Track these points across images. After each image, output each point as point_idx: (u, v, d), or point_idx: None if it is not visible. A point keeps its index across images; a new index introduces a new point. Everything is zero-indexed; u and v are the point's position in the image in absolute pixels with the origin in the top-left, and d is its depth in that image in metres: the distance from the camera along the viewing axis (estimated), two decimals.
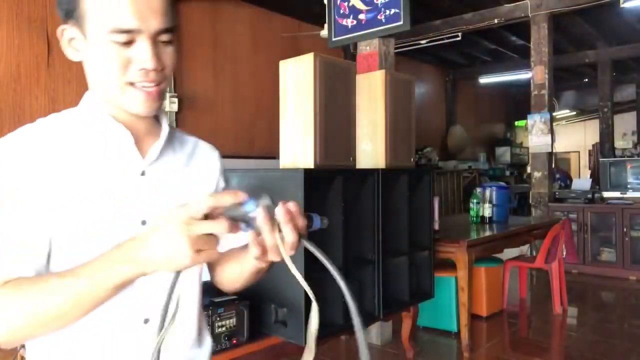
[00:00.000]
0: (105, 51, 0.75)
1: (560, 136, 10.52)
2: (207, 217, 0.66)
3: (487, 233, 3.58)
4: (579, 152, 12.85)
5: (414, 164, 2.83)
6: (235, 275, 0.91)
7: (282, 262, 0.72)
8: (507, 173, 10.71)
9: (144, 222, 0.82)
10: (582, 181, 6.49)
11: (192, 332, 0.93)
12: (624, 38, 7.70)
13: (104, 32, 0.74)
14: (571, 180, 7.29)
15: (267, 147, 5.61)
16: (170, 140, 0.89)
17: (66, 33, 0.80)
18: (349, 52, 6.07)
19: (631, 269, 5.28)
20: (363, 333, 0.71)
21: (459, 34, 6.18)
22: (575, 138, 12.37)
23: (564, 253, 4.24)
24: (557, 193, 5.88)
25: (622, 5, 5.22)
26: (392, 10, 3.35)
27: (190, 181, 0.91)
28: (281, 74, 2.25)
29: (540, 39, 5.54)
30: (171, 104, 4.86)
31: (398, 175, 2.63)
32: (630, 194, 5.70)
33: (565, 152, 12.78)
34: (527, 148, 8.25)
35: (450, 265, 3.29)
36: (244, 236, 0.92)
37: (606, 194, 5.85)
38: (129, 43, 0.75)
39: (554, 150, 5.79)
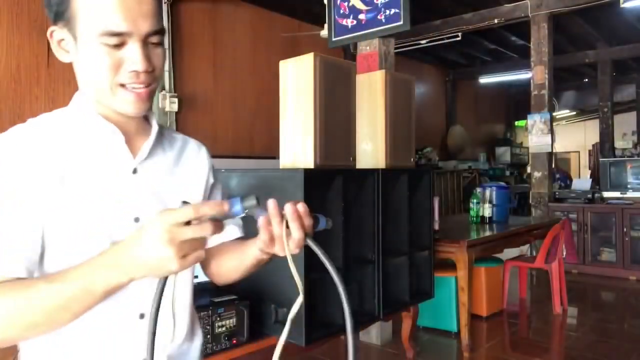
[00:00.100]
0: (95, 53, 0.76)
1: (560, 136, 10.52)
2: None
3: (487, 233, 3.58)
4: (579, 152, 12.85)
5: (414, 164, 2.83)
6: (233, 268, 0.93)
7: (285, 258, 0.74)
8: (507, 173, 10.71)
9: (137, 219, 0.83)
10: (582, 181, 6.48)
11: (184, 327, 0.94)
12: (624, 38, 7.70)
13: (94, 34, 0.75)
14: (571, 180, 7.29)
15: (267, 147, 5.61)
16: (160, 138, 0.90)
17: (55, 34, 0.80)
18: (349, 52, 6.06)
19: (631, 269, 5.28)
20: (353, 337, 0.71)
21: (459, 34, 6.18)
22: (575, 138, 12.37)
23: (564, 253, 4.24)
24: (557, 193, 5.88)
25: (622, 5, 5.22)
26: (392, 10, 3.35)
27: (181, 178, 0.92)
28: (281, 74, 2.25)
29: (540, 39, 5.54)
30: (171, 104, 4.86)
31: (398, 175, 2.63)
32: (630, 194, 5.70)
33: (565, 152, 12.78)
34: (527, 148, 8.25)
35: (450, 265, 3.29)
36: (234, 230, 0.96)
37: (606, 194, 5.85)
38: (119, 45, 0.75)
39: (554, 150, 5.79)
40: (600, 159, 6.89)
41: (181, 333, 0.93)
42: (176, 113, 4.97)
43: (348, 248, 2.22)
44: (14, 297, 0.67)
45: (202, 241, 0.67)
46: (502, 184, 5.55)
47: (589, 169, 10.59)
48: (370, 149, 2.59)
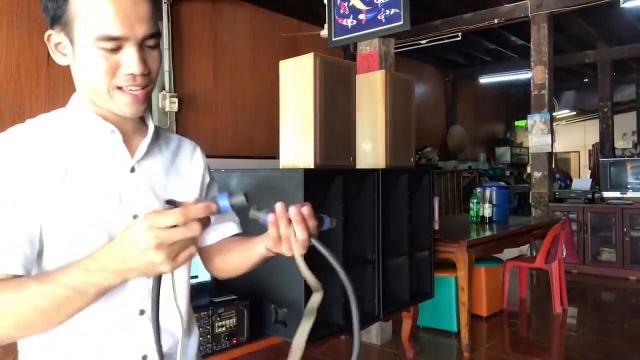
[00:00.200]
0: (93, 57, 0.77)
1: (560, 136, 10.52)
2: None
3: (487, 233, 3.58)
4: (579, 152, 12.86)
5: (414, 164, 2.83)
6: (237, 264, 0.96)
7: (288, 258, 0.77)
8: (507, 173, 10.71)
9: (135, 217, 0.83)
10: (582, 181, 6.49)
11: (185, 321, 0.95)
12: (624, 38, 7.71)
13: (91, 38, 0.76)
14: (571, 180, 7.29)
15: (267, 147, 5.61)
16: (156, 138, 0.92)
17: (53, 38, 0.81)
18: (349, 52, 6.07)
19: (631, 269, 5.28)
20: (359, 334, 0.76)
21: (459, 34, 6.18)
22: (575, 138, 12.37)
23: (564, 253, 4.24)
24: (557, 193, 5.88)
25: (622, 5, 5.22)
26: (392, 10, 3.35)
27: (177, 177, 0.94)
28: (281, 74, 2.25)
29: (540, 39, 5.54)
30: (171, 104, 4.86)
31: (398, 175, 2.63)
32: (630, 194, 5.70)
33: (565, 152, 12.78)
34: (527, 148, 8.25)
35: (450, 265, 3.29)
36: (233, 226, 1.00)
37: (606, 194, 5.85)
38: (116, 49, 0.77)
39: (554, 150, 5.79)
40: (600, 159, 6.90)
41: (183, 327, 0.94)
42: (176, 113, 4.97)
43: (348, 248, 2.22)
44: (7, 296, 0.68)
45: (192, 240, 0.67)
46: (502, 184, 5.55)
47: (589, 169, 10.60)
48: (370, 149, 2.59)
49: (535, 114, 5.55)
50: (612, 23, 7.00)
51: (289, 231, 0.76)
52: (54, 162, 0.78)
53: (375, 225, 2.45)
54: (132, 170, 0.86)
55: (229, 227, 1.01)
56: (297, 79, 2.18)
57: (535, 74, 5.59)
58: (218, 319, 1.85)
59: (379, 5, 3.41)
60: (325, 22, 3.79)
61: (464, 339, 3.19)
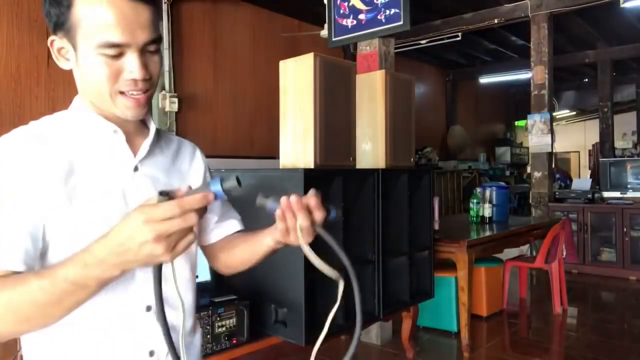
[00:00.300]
0: (95, 63, 0.78)
1: (560, 136, 10.51)
2: None
3: (487, 233, 3.58)
4: (579, 152, 12.86)
5: (414, 164, 2.83)
6: (245, 259, 0.99)
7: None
8: (507, 173, 10.71)
9: None
10: (582, 181, 6.49)
11: (189, 320, 0.97)
12: (624, 38, 7.71)
13: (93, 45, 0.77)
14: (571, 180, 7.29)
15: (267, 147, 5.61)
16: (157, 139, 0.93)
17: (55, 44, 0.83)
18: (349, 52, 6.07)
19: (631, 269, 5.28)
20: (361, 322, 0.80)
21: (459, 34, 6.18)
22: (575, 138, 12.37)
23: (564, 253, 4.24)
24: (557, 193, 5.88)
25: (622, 5, 5.22)
26: (392, 10, 3.35)
27: (179, 177, 0.95)
28: (281, 74, 2.25)
29: (540, 39, 5.54)
30: (171, 104, 4.86)
31: (398, 175, 2.63)
32: (630, 194, 5.70)
33: (565, 152, 12.78)
34: (527, 148, 8.25)
35: (450, 265, 3.29)
36: (235, 224, 1.04)
37: (606, 194, 5.85)
38: (118, 56, 0.78)
39: (554, 150, 5.79)
40: (600, 159, 6.90)
41: (188, 323, 0.96)
42: (176, 113, 4.97)
43: (348, 248, 2.22)
44: (6, 292, 0.68)
45: (189, 228, 0.67)
46: (502, 184, 5.55)
47: (589, 169, 10.59)
48: (370, 149, 2.59)
49: (535, 114, 5.55)
50: (612, 23, 7.00)
51: (295, 222, 0.79)
52: (58, 161, 0.79)
53: (375, 225, 2.44)
54: (135, 169, 0.87)
55: (232, 224, 1.04)
56: (297, 79, 2.18)
57: (535, 74, 5.59)
58: (218, 319, 1.85)
59: (379, 5, 3.41)
60: (325, 22, 3.79)
61: (464, 339, 3.19)
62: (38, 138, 0.80)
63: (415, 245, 2.76)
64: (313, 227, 0.80)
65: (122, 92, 0.81)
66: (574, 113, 12.19)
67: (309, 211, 0.80)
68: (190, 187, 0.71)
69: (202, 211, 0.68)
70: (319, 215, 0.80)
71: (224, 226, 1.03)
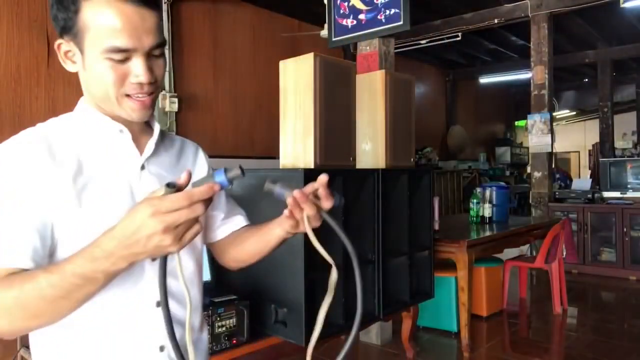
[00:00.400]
0: (101, 67, 0.80)
1: (560, 136, 10.51)
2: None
3: (487, 233, 3.58)
4: (579, 152, 12.85)
5: (414, 164, 2.83)
6: (255, 251, 1.02)
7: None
8: (507, 173, 10.71)
9: None
10: (582, 181, 6.49)
11: (196, 314, 0.99)
12: (624, 38, 7.71)
13: (100, 50, 0.79)
14: (571, 180, 7.29)
15: (267, 147, 5.61)
16: (161, 138, 0.96)
17: (62, 47, 0.85)
18: (349, 52, 6.07)
19: (631, 269, 5.28)
20: (362, 304, 0.80)
21: (459, 34, 6.18)
22: (575, 138, 12.37)
23: (564, 253, 4.24)
24: (557, 193, 5.88)
25: (622, 5, 5.22)
26: (392, 10, 3.35)
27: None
28: (281, 74, 2.25)
29: (540, 39, 5.54)
30: (171, 104, 4.85)
31: (398, 175, 2.63)
32: (630, 194, 5.70)
33: (565, 152, 12.78)
34: (527, 148, 8.25)
35: (450, 265, 3.29)
36: (241, 219, 1.07)
37: (606, 194, 5.85)
38: (124, 60, 0.80)
39: (554, 150, 5.79)
40: (600, 159, 6.90)
41: (196, 319, 0.98)
42: (176, 113, 4.97)
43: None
44: (15, 288, 0.69)
45: (196, 219, 0.69)
46: (502, 184, 5.56)
47: (589, 169, 10.59)
48: (370, 149, 2.59)
49: (535, 114, 5.55)
50: (612, 23, 7.00)
51: (302, 214, 0.83)
52: (66, 161, 0.81)
53: (375, 225, 2.44)
54: (142, 167, 0.90)
55: (238, 220, 1.07)
56: (297, 79, 2.18)
57: (535, 74, 5.59)
58: (218, 319, 1.85)
59: (379, 5, 3.41)
60: (325, 22, 3.79)
61: (464, 339, 3.19)
62: (46, 138, 0.82)
63: (415, 245, 2.76)
64: (319, 213, 0.83)
65: (128, 95, 0.83)
66: (574, 113, 12.19)
67: (316, 197, 0.82)
68: (190, 172, 0.72)
69: (208, 202, 0.69)
70: (327, 204, 0.82)
71: (230, 222, 1.06)
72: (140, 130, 0.92)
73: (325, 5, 3.77)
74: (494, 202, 4.05)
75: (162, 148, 0.96)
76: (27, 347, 2.28)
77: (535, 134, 5.55)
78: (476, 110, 10.68)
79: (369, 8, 3.48)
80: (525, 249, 5.32)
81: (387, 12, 3.37)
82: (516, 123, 12.13)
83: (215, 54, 5.47)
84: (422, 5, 5.53)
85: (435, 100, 9.41)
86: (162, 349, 0.88)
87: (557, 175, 7.12)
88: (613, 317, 4.18)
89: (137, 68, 0.81)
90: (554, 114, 6.42)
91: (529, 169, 8.28)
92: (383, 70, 2.60)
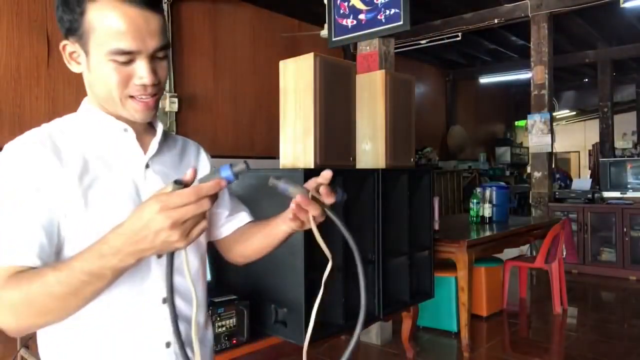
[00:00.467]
0: (106, 68, 0.82)
1: (560, 136, 10.51)
2: None
3: (487, 233, 3.58)
4: (579, 152, 12.85)
5: (414, 164, 2.83)
6: (262, 247, 1.03)
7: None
8: (507, 173, 10.71)
9: None
10: (582, 181, 6.48)
11: (202, 311, 1.01)
12: (624, 38, 7.70)
13: (105, 52, 0.80)
14: (571, 180, 7.29)
15: (267, 147, 5.61)
16: (164, 138, 0.97)
17: (67, 48, 0.86)
18: (349, 52, 6.07)
19: (631, 269, 5.28)
20: (365, 299, 0.83)
21: (459, 34, 6.18)
22: (575, 138, 12.37)
23: (564, 253, 4.24)
24: (557, 193, 5.88)
25: (622, 5, 5.22)
26: (392, 10, 3.35)
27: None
28: (281, 74, 2.25)
29: (540, 39, 5.54)
30: (171, 104, 4.85)
31: (398, 175, 2.63)
32: (630, 194, 5.70)
33: (565, 152, 12.78)
34: (527, 148, 8.25)
35: (450, 265, 3.29)
36: (245, 216, 1.09)
37: (606, 194, 5.85)
38: (128, 62, 0.82)
39: (554, 150, 5.79)
40: (600, 159, 6.90)
41: (202, 316, 1.00)
42: (176, 113, 4.97)
43: (348, 248, 2.22)
44: (24, 286, 0.70)
45: (202, 214, 0.69)
46: (502, 184, 5.56)
47: (589, 169, 10.59)
48: (370, 149, 2.59)
49: (535, 114, 5.55)
50: (612, 23, 7.00)
51: (307, 215, 0.85)
52: (72, 159, 0.82)
53: (375, 225, 2.45)
54: (147, 166, 0.91)
55: (242, 216, 1.09)
56: (297, 79, 2.18)
57: (535, 74, 5.59)
58: (218, 319, 1.85)
59: (379, 5, 3.41)
60: (325, 22, 3.79)
61: (464, 339, 3.19)
62: (50, 138, 0.83)
63: (415, 245, 2.76)
64: (324, 210, 0.85)
65: (131, 97, 0.84)
66: (574, 113, 12.19)
67: (318, 191, 0.84)
68: (196, 169, 0.73)
69: (214, 198, 0.70)
70: (328, 201, 0.85)
71: (235, 219, 1.07)
72: (143, 130, 0.93)
73: (325, 5, 3.77)
74: (494, 202, 4.05)
75: (165, 147, 0.97)
76: (27, 347, 2.28)
77: (535, 134, 5.55)
78: (476, 110, 10.68)
79: (369, 8, 3.48)
80: (525, 249, 5.32)
81: (387, 12, 3.37)
82: (516, 123, 12.13)
83: (215, 54, 5.47)
84: (422, 5, 5.53)
85: (435, 100, 9.41)
86: (168, 345, 0.89)
87: (557, 175, 7.12)
88: (613, 317, 4.18)
89: (141, 70, 0.82)
90: (554, 114, 6.42)
91: (529, 169, 8.29)
92: (383, 70, 2.60)
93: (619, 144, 9.51)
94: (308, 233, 0.90)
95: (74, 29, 0.82)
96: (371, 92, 2.58)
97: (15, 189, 0.77)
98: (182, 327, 0.77)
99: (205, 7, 5.36)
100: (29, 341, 2.17)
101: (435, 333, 3.60)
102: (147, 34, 0.81)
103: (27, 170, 0.78)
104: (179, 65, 5.05)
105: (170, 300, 0.73)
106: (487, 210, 4.01)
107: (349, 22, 3.60)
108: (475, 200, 4.02)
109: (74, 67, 0.87)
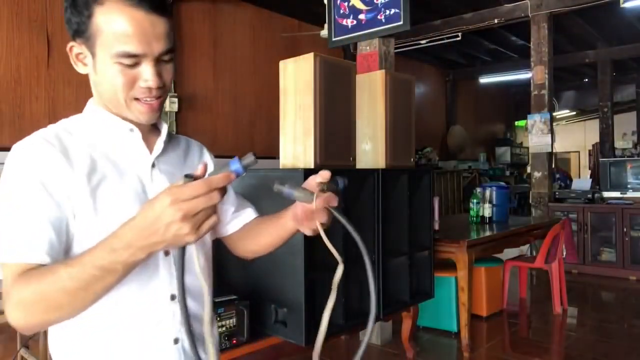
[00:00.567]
0: (112, 70, 0.83)
1: (560, 136, 10.52)
2: None
3: (487, 233, 3.58)
4: (579, 152, 12.86)
5: (414, 164, 2.83)
6: (270, 241, 1.04)
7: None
8: (507, 173, 10.71)
9: None
10: (582, 181, 6.48)
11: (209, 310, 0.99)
12: (624, 38, 7.71)
13: (111, 54, 0.82)
14: (571, 180, 7.29)
15: (267, 147, 5.61)
16: (168, 139, 0.98)
17: (74, 49, 0.87)
18: (349, 52, 6.07)
19: (631, 269, 5.28)
20: (376, 300, 0.84)
21: (459, 34, 6.18)
22: (575, 138, 12.38)
23: (564, 253, 4.24)
24: (557, 193, 5.88)
25: (622, 5, 5.22)
26: (392, 10, 3.35)
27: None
28: (281, 74, 2.25)
29: (540, 39, 5.54)
30: (171, 104, 4.86)
31: (398, 175, 2.63)
32: (630, 194, 5.70)
33: (565, 152, 12.78)
34: (527, 148, 8.25)
35: (450, 265, 3.29)
36: (251, 212, 1.10)
37: (606, 194, 5.84)
38: (134, 65, 0.83)
39: (554, 150, 5.79)
40: (600, 159, 6.90)
41: (209, 313, 0.98)
42: (176, 113, 4.98)
43: (348, 248, 2.22)
44: (35, 283, 0.71)
45: (213, 208, 0.70)
46: (502, 184, 5.56)
47: (589, 169, 10.59)
48: (370, 149, 2.59)
49: (535, 114, 5.55)
50: (612, 23, 7.01)
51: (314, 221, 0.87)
52: (80, 158, 0.83)
53: (375, 225, 2.45)
54: (153, 165, 0.92)
55: (248, 212, 1.10)
56: (297, 79, 2.18)
57: (535, 74, 5.59)
58: (218, 319, 1.85)
59: (379, 5, 3.41)
60: (325, 22, 3.79)
61: (464, 339, 3.19)
62: (58, 137, 0.84)
63: (415, 245, 2.76)
64: (329, 211, 0.86)
65: (136, 99, 0.86)
66: (574, 113, 12.19)
67: (321, 190, 0.84)
68: (206, 164, 0.74)
69: (223, 191, 0.70)
70: (333, 202, 0.85)
71: (241, 216, 1.09)
72: (147, 130, 0.95)
73: (325, 5, 3.77)
74: (494, 202, 4.05)
75: (170, 147, 0.98)
76: (27, 347, 2.28)
77: (535, 134, 5.55)
78: (476, 110, 10.69)
79: (369, 8, 3.48)
80: (525, 249, 5.32)
81: (387, 12, 3.37)
82: (516, 123, 12.14)
83: (215, 54, 5.47)
84: (422, 5, 5.53)
85: (435, 100, 9.41)
86: (176, 341, 0.90)
87: (557, 175, 7.12)
88: (613, 317, 4.18)
89: (147, 73, 0.83)
90: (554, 114, 6.43)
91: (529, 169, 8.29)
92: (383, 70, 2.60)
93: (619, 144, 9.51)
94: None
95: (81, 31, 0.83)
96: (371, 92, 2.58)
97: (24, 187, 0.78)
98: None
99: (205, 7, 5.36)
100: (29, 341, 2.17)
101: (435, 333, 3.60)
102: (153, 38, 0.82)
103: (36, 169, 0.79)
104: (179, 65, 5.06)
105: (181, 297, 0.73)
106: (487, 210, 4.01)
107: (349, 22, 3.60)
108: (475, 200, 4.02)
109: (80, 69, 0.88)
